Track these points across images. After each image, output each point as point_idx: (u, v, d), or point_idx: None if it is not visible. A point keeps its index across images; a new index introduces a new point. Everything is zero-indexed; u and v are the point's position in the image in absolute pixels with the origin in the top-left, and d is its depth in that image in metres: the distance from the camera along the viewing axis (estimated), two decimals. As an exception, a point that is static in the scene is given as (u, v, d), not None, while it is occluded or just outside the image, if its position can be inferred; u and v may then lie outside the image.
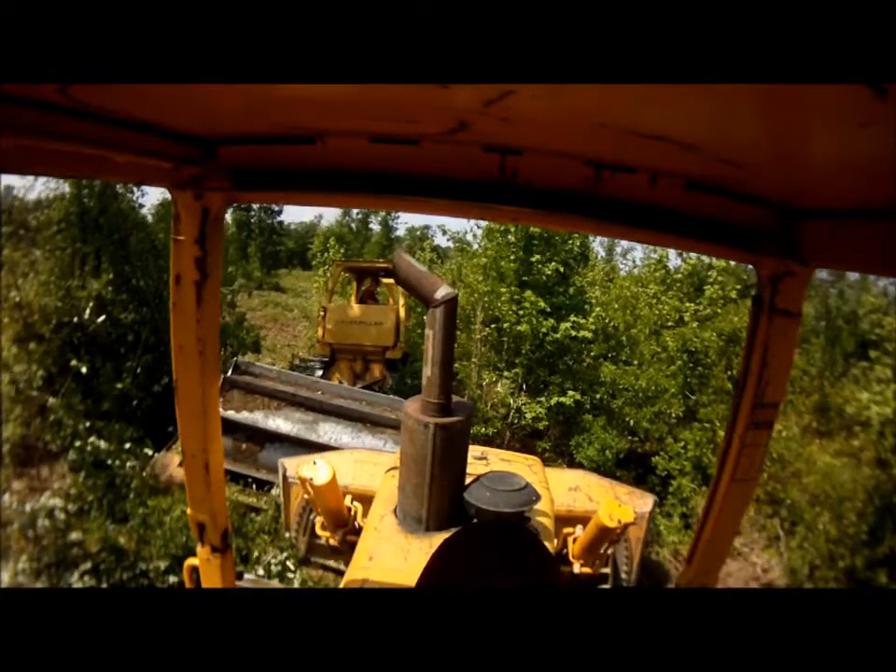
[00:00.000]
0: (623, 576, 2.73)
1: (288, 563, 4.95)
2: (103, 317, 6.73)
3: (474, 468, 2.14)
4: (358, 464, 2.90)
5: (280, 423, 5.92)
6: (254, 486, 5.70)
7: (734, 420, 1.13)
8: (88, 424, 5.83)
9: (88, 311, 6.65)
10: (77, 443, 5.46)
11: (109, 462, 5.40)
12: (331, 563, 2.63)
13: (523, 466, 2.45)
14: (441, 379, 1.85)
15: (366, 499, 2.63)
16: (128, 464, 5.45)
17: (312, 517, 2.78)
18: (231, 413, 5.89)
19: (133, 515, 4.95)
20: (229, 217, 24.49)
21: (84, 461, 5.35)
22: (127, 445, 5.79)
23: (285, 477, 2.87)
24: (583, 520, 2.63)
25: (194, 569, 1.53)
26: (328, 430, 5.89)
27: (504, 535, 0.67)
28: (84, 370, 6.36)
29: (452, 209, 1.01)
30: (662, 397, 8.07)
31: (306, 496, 2.38)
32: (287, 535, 4.71)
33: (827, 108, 0.53)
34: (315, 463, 2.30)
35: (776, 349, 1.05)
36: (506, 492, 1.92)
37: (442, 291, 1.82)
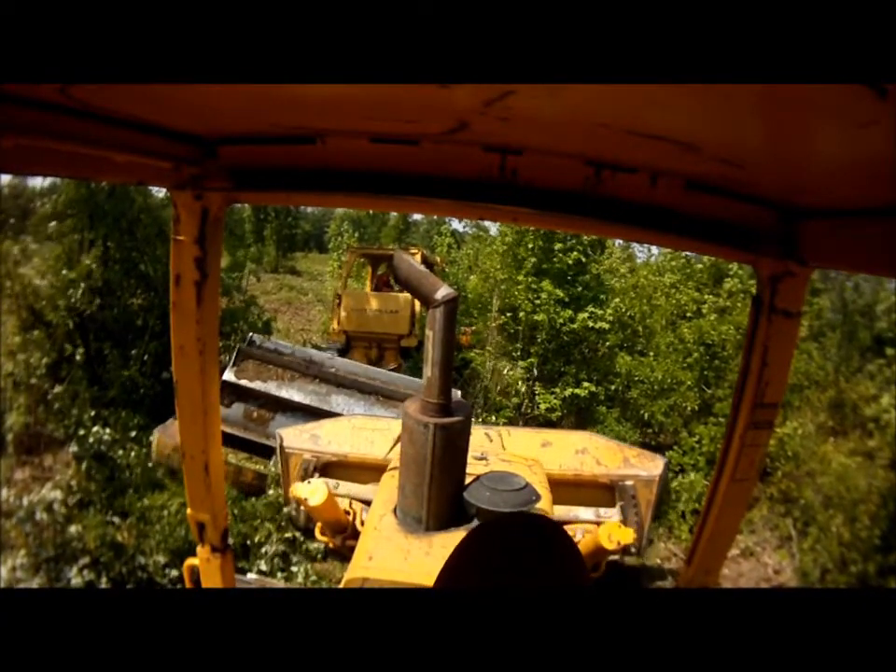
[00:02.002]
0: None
1: (293, 541, 4.95)
2: (97, 301, 6.66)
3: (474, 468, 2.14)
4: (356, 431, 2.81)
5: (293, 393, 5.97)
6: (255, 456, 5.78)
7: (733, 420, 1.13)
8: (93, 413, 5.80)
9: (80, 292, 6.55)
10: (81, 432, 5.43)
11: (111, 454, 5.38)
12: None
13: (522, 466, 2.45)
14: (441, 379, 1.85)
15: (365, 468, 2.58)
16: (132, 453, 5.43)
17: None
18: (244, 382, 5.95)
19: (133, 510, 4.94)
20: (244, 200, 24.24)
21: (86, 452, 5.33)
22: (133, 434, 5.77)
23: (282, 448, 2.77)
24: (591, 484, 2.57)
25: (194, 569, 1.53)
26: (340, 402, 5.91)
27: (527, 529, 0.66)
28: (79, 356, 6.31)
29: (452, 209, 1.01)
30: (677, 389, 7.99)
31: (303, 508, 2.35)
32: (286, 510, 4.68)
33: (827, 108, 0.53)
34: (309, 482, 2.26)
35: (775, 349, 1.05)
36: (506, 492, 1.92)
37: (442, 292, 1.82)
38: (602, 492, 2.61)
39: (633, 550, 2.59)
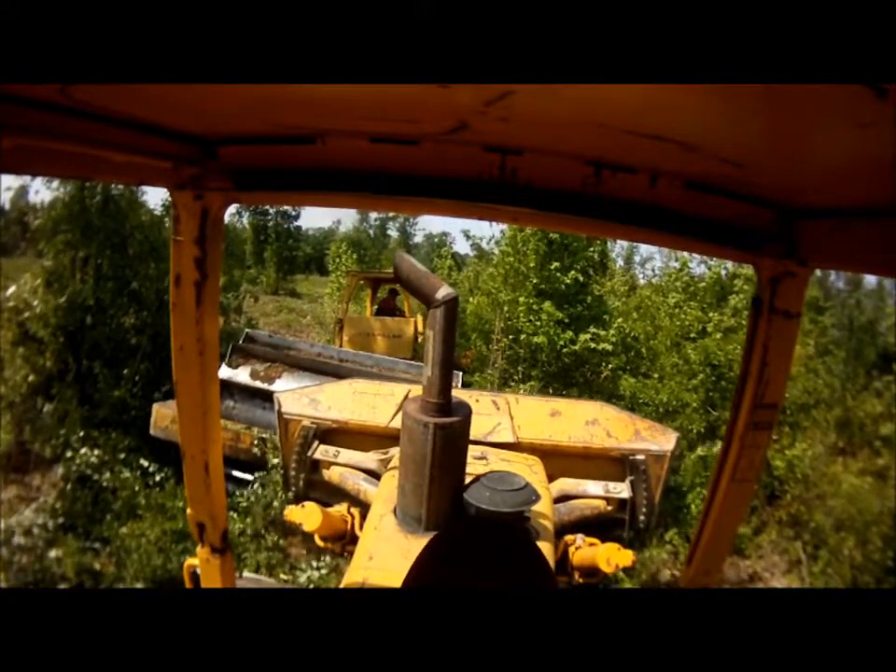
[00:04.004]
0: (642, 518, 2.51)
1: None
2: (88, 318, 6.68)
3: (474, 467, 2.14)
4: (358, 395, 2.71)
5: (299, 360, 6.36)
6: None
7: (733, 421, 1.13)
8: (82, 433, 5.78)
9: (71, 309, 6.53)
10: (69, 454, 5.41)
11: (97, 477, 5.35)
12: (334, 504, 2.50)
13: (523, 466, 2.44)
14: (441, 379, 1.85)
15: (367, 435, 2.53)
16: (121, 475, 5.40)
17: (310, 453, 2.65)
18: (251, 346, 6.46)
19: (113, 538, 4.91)
20: (245, 221, 24.38)
21: (73, 474, 5.30)
22: (122, 455, 5.75)
23: (280, 413, 2.68)
24: (601, 457, 2.52)
25: (194, 570, 1.53)
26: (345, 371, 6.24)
27: (496, 537, 0.67)
28: (54, 366, 6.30)
29: (452, 209, 1.01)
30: (683, 411, 7.78)
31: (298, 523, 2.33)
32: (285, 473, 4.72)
33: (827, 108, 0.53)
34: (303, 506, 2.23)
35: (775, 350, 1.05)
36: (506, 492, 1.92)
37: (443, 291, 1.82)
38: (612, 465, 2.53)
39: (641, 526, 2.53)
